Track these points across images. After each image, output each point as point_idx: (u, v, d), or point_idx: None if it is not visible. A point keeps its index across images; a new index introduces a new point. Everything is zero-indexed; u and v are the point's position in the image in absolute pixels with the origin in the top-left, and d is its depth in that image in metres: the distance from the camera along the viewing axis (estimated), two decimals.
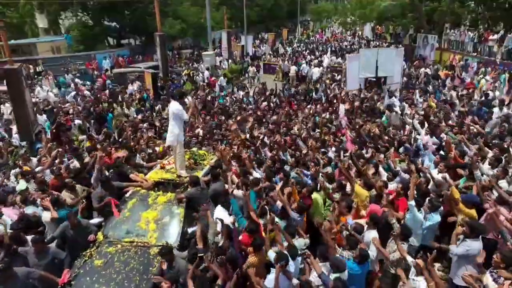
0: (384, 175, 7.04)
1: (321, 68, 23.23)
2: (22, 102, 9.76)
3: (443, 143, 8.41)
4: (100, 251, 5.34)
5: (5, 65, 9.73)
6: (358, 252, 4.67)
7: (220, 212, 5.68)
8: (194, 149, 8.39)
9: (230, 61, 25.09)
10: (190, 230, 5.61)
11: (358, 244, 4.88)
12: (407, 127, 10.01)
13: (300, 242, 5.16)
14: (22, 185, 6.75)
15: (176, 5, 31.16)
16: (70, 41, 28.96)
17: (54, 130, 10.77)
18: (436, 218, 5.63)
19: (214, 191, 6.32)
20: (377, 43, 31.92)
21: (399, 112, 11.39)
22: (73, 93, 16.83)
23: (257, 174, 7.06)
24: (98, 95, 16.55)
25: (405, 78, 17.78)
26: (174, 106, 6.43)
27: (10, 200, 6.42)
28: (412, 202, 5.51)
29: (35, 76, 20.24)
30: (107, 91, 17.51)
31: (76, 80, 19.63)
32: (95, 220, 6.08)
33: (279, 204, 5.92)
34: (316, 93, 16.98)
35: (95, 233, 5.71)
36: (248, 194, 5.75)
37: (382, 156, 7.69)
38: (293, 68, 23.29)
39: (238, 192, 6.18)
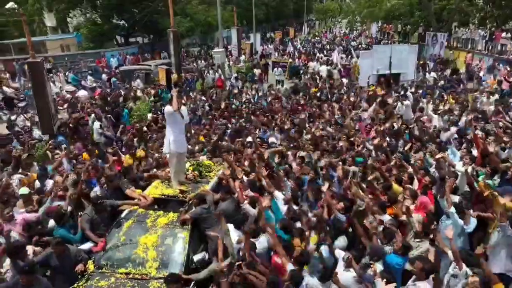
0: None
1: (330, 66, 23.12)
2: (44, 94, 9.86)
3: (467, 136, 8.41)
4: (90, 286, 4.55)
5: (28, 59, 9.83)
6: (401, 243, 4.68)
7: (232, 233, 5.08)
8: (203, 157, 7.61)
9: (242, 57, 25.03)
10: (196, 258, 4.88)
11: (394, 236, 4.90)
12: (434, 122, 9.92)
13: (341, 240, 5.23)
14: (24, 189, 6.24)
15: (184, 3, 31.23)
16: (80, 39, 29.04)
17: (72, 125, 10.81)
18: (474, 222, 5.32)
19: (224, 212, 5.38)
20: (390, 42, 31.72)
21: (410, 103, 11.34)
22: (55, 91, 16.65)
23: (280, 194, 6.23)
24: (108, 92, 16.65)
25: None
26: (166, 109, 5.91)
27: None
28: (453, 209, 5.26)
29: (46, 74, 20.28)
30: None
31: (89, 77, 19.68)
32: (86, 246, 5.25)
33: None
34: (322, 93, 16.28)
35: (85, 262, 4.91)
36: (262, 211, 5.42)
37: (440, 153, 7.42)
38: (324, 68, 21.78)
39: (250, 210, 5.60)
